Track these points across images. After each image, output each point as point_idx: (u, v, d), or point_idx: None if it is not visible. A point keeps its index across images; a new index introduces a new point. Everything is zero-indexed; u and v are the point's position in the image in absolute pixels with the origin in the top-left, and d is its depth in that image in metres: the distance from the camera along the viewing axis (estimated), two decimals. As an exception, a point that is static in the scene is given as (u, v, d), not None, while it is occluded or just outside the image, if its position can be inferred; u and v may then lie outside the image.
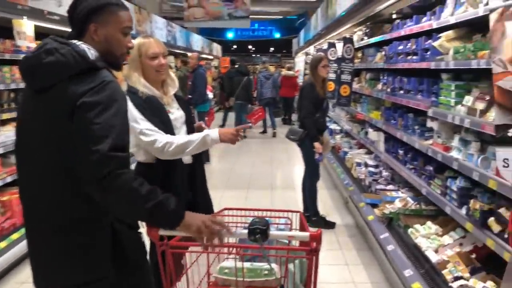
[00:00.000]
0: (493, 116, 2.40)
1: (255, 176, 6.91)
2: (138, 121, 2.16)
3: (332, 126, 8.02)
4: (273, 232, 1.52)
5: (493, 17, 2.04)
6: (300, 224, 2.09)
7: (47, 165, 1.42)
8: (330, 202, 5.50)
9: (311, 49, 12.23)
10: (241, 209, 2.27)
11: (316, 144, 4.33)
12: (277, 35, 26.35)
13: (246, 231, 1.50)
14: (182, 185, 2.34)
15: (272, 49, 33.14)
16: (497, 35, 2.02)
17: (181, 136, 2.24)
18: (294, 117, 13.44)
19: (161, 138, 2.17)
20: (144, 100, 2.23)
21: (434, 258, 2.74)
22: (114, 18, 1.51)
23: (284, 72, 12.92)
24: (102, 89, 1.38)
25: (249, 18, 11.77)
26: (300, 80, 12.82)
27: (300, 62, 16.55)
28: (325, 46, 9.42)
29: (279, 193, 5.89)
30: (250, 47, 35.03)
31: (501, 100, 2.03)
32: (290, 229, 2.14)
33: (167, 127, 2.25)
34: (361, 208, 4.21)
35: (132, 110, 2.17)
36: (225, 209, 2.27)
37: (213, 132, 2.22)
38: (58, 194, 1.42)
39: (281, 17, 24.35)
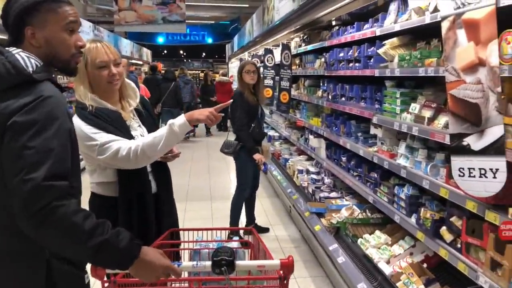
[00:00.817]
0: (441, 124, 2.40)
1: (192, 186, 6.63)
2: (92, 137, 1.81)
3: (271, 132, 7.96)
4: (240, 262, 1.34)
5: (445, 25, 2.00)
6: (254, 241, 1.94)
7: None
8: (272, 210, 5.39)
9: (246, 55, 12.18)
10: (189, 230, 2.08)
11: (256, 156, 4.14)
12: (210, 40, 26.07)
13: (209, 263, 1.31)
14: (150, 218, 2.02)
15: (204, 54, 32.81)
16: (450, 44, 1.99)
17: (143, 137, 1.91)
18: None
19: (124, 144, 1.81)
20: (95, 112, 1.87)
21: (387, 270, 2.68)
22: (53, 16, 1.30)
23: (218, 78, 12.73)
24: (38, 105, 1.19)
25: (185, 22, 11.46)
26: (234, 86, 12.73)
27: (234, 68, 16.50)
28: (260, 52, 9.42)
29: (218, 205, 5.66)
30: (181, 52, 34.39)
31: (454, 109, 1.99)
32: (250, 251, 1.96)
33: (126, 136, 1.91)
34: (306, 217, 4.12)
35: (82, 127, 1.81)
36: (170, 231, 2.03)
37: (178, 119, 1.85)
38: None
39: (213, 22, 24.15)
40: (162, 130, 1.85)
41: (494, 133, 1.82)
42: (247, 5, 16.37)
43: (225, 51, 23.15)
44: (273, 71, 7.02)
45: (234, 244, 1.93)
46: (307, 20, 4.55)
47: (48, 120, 1.18)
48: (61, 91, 1.34)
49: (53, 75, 1.35)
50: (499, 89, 1.79)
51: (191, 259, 1.95)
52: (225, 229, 2.08)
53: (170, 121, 1.84)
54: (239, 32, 14.94)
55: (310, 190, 4.55)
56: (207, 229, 2.09)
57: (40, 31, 1.29)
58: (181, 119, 1.83)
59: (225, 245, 1.41)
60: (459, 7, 1.92)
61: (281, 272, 1.36)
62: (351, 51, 3.67)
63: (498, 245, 1.89)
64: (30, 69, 1.24)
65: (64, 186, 1.16)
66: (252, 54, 10.21)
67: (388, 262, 2.78)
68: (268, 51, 7.11)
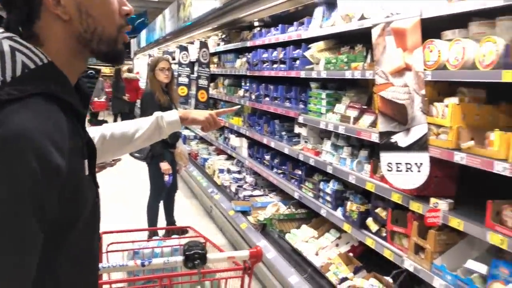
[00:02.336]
0: (366, 123, 2.60)
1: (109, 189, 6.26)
2: None
3: (185, 132, 7.85)
4: (211, 255, 1.33)
5: (375, 32, 2.18)
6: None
7: None
8: (192, 211, 5.33)
9: (155, 51, 11.83)
10: (122, 231, 2.00)
11: (163, 165, 3.82)
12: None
13: (181, 258, 1.28)
14: None
15: (106, 49, 31.06)
16: (379, 49, 2.17)
17: (112, 124, 1.49)
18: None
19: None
20: None
21: (317, 261, 2.83)
22: None
23: (125, 74, 12.17)
24: None
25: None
26: (142, 83, 12.29)
27: (141, 64, 15.91)
28: (171, 49, 9.22)
29: (134, 207, 5.43)
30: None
31: (383, 109, 2.18)
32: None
33: None
34: (231, 216, 4.15)
35: None
36: (104, 232, 1.92)
37: (168, 114, 1.48)
38: None
39: (117, 16, 22.92)
40: (144, 122, 1.48)
41: (418, 131, 2.03)
42: (155, 0, 15.90)
43: (129, 46, 22.15)
44: (188, 69, 6.91)
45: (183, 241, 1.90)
46: (229, 19, 4.58)
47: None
48: (76, 112, 0.82)
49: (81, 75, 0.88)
50: (423, 92, 2.00)
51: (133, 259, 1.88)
52: (162, 228, 2.02)
53: (158, 114, 1.50)
54: (147, 27, 14.44)
55: (233, 189, 4.59)
56: (142, 230, 2.03)
57: None
58: (173, 115, 1.48)
59: (194, 240, 1.41)
60: (388, 16, 2.11)
61: (247, 262, 1.38)
62: (276, 52, 3.79)
63: (421, 231, 2.12)
64: (9, 72, 0.73)
65: None
66: (163, 50, 9.94)
67: (316, 254, 2.93)
68: (183, 48, 7.00)
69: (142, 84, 12.09)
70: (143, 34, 15.17)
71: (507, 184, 1.74)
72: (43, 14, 0.79)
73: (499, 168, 1.62)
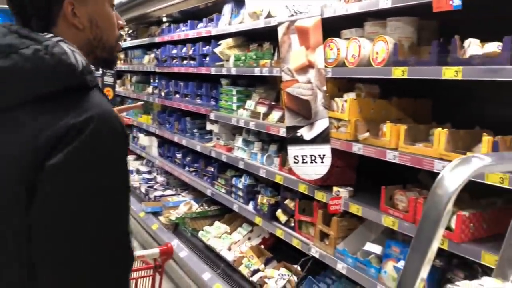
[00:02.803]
0: (275, 119, 2.69)
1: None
2: None
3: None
4: None
5: (280, 30, 2.26)
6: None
7: None
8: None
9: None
10: None
11: None
12: None
13: None
14: None
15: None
16: (285, 47, 2.26)
17: None
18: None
19: None
20: None
21: (229, 256, 2.85)
22: None
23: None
24: (91, 136, 0.78)
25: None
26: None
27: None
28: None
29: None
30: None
31: (289, 105, 2.27)
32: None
33: None
34: (141, 218, 4.02)
35: None
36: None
37: None
38: None
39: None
40: None
41: (321, 125, 2.16)
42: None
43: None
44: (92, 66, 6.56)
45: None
46: (136, 14, 4.43)
47: (105, 162, 0.82)
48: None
49: None
50: (324, 88, 2.12)
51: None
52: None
53: None
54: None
55: (143, 190, 4.44)
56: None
57: (81, 6, 0.92)
58: None
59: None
60: (292, 15, 2.20)
61: (158, 260, 1.34)
62: (185, 48, 3.74)
63: (325, 219, 2.24)
64: (80, 68, 0.84)
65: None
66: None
67: (229, 249, 2.96)
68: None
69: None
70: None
71: (399, 171, 1.92)
72: (60, 22, 0.92)
73: (390, 156, 1.78)
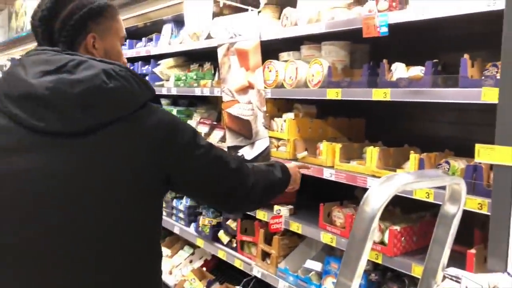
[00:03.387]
0: (217, 138, 2.69)
1: None
2: None
3: None
4: None
5: (220, 52, 2.29)
6: None
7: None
8: None
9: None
10: None
11: None
12: None
13: None
14: None
15: None
16: (225, 68, 2.28)
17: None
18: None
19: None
20: None
21: (170, 280, 2.77)
22: (114, 24, 1.16)
23: None
24: (173, 123, 1.13)
25: None
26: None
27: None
28: (1, 61, 8.15)
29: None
30: None
31: (230, 124, 2.29)
32: None
33: None
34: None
35: None
36: None
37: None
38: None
39: None
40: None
41: (262, 144, 2.19)
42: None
43: None
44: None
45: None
46: (72, 32, 4.27)
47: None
48: None
49: None
50: (264, 108, 2.17)
51: None
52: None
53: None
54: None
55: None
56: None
57: (100, 40, 1.12)
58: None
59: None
60: (232, 37, 2.24)
61: None
62: (124, 68, 3.66)
63: (266, 238, 2.25)
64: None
65: None
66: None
67: (170, 273, 2.87)
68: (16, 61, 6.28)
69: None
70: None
71: (337, 188, 1.98)
72: (80, 50, 1.09)
73: (327, 174, 1.84)
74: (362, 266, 0.64)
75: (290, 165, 1.54)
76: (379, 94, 1.62)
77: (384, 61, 1.69)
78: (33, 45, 5.83)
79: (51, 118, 0.96)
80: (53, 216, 0.98)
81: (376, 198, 0.62)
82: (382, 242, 1.64)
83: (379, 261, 1.62)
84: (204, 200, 1.32)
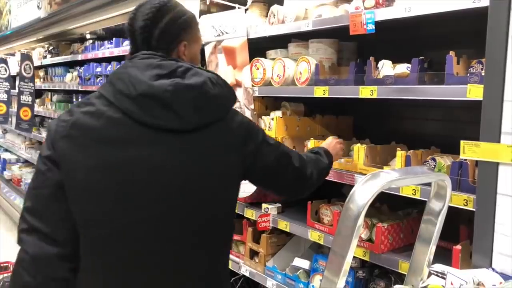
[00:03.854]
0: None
1: None
2: None
3: (5, 155, 6.86)
4: None
5: (207, 49, 2.27)
6: None
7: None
8: (15, 244, 4.63)
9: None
10: None
11: None
12: None
13: None
14: None
15: None
16: (212, 66, 2.26)
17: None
18: None
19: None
20: None
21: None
22: (198, 33, 1.32)
23: None
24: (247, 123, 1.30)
25: None
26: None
27: None
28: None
29: None
30: None
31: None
32: None
33: None
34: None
35: None
36: None
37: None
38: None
39: None
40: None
41: (249, 142, 2.17)
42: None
43: None
44: (7, 84, 6.11)
45: None
46: (57, 31, 4.21)
47: None
48: None
49: None
50: (252, 106, 2.15)
51: None
52: None
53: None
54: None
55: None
56: None
57: (189, 48, 1.26)
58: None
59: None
60: (219, 35, 2.22)
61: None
62: (110, 66, 3.62)
63: (255, 236, 2.25)
64: None
65: None
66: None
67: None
68: (2, 61, 6.16)
69: None
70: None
71: (325, 185, 1.98)
72: (173, 55, 1.22)
73: (315, 171, 1.83)
74: (348, 263, 0.63)
75: (329, 141, 1.74)
76: (366, 92, 1.62)
77: (371, 58, 1.69)
78: (18, 43, 5.71)
79: (168, 117, 1.10)
80: (174, 197, 1.12)
81: (362, 195, 0.62)
82: (369, 240, 1.64)
83: (367, 258, 1.63)
84: (270, 187, 1.44)
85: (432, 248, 0.84)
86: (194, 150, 1.14)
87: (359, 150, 1.71)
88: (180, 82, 1.11)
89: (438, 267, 0.98)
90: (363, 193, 0.62)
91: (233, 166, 1.21)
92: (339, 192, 2.06)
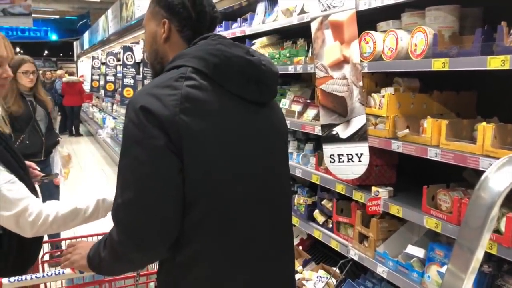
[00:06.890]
0: (310, 117, 2.62)
1: None
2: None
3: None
4: None
5: (314, 26, 2.20)
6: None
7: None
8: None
9: (99, 53, 11.42)
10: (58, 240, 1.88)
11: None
12: (54, 37, 23.52)
13: None
14: None
15: (46, 52, 29.53)
16: (319, 43, 2.19)
17: (61, 203, 1.49)
18: (84, 128, 12.28)
19: (34, 205, 1.38)
20: None
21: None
22: None
23: (66, 78, 11.60)
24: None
25: (31, 16, 10.13)
26: (86, 86, 11.85)
27: (84, 66, 15.33)
28: (116, 50, 8.93)
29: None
30: (18, 49, 30.37)
31: (324, 102, 2.20)
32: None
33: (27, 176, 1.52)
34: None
35: None
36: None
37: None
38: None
39: (57, 16, 21.94)
40: (87, 203, 1.49)
41: (358, 122, 2.07)
42: (98, 0, 15.34)
43: (72, 49, 21.26)
44: (133, 70, 6.77)
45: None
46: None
47: None
48: None
49: None
50: (361, 83, 2.04)
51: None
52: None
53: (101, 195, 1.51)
54: (90, 28, 13.91)
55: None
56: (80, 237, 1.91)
57: None
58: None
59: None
60: (325, 9, 2.13)
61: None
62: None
63: (364, 220, 2.16)
64: None
65: None
66: (107, 52, 9.62)
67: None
68: (128, 49, 6.82)
69: (87, 87, 11.68)
70: (86, 36, 14.61)
71: (441, 169, 1.81)
72: None
73: (432, 154, 1.67)
74: (477, 260, 0.55)
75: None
76: (496, 63, 1.41)
77: (503, 23, 1.46)
78: (142, 32, 6.26)
79: (260, 90, 1.16)
80: (268, 174, 1.20)
81: (497, 182, 0.52)
82: (497, 231, 1.45)
83: (494, 252, 1.45)
84: None
85: None
86: (271, 120, 1.25)
87: (485, 130, 1.51)
88: (264, 58, 1.18)
89: None
90: (499, 180, 0.52)
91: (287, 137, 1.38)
92: (457, 177, 1.86)
